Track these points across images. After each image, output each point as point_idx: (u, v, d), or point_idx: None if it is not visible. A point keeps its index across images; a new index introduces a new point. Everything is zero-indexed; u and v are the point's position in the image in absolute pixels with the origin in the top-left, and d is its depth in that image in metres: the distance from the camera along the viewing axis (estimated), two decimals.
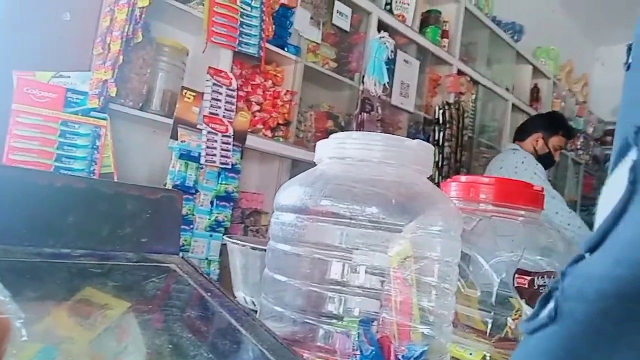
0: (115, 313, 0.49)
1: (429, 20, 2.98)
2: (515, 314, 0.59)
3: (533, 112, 4.09)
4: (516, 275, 0.55)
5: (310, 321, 0.51)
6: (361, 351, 0.52)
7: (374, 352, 0.52)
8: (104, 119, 1.54)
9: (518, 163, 2.35)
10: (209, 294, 0.54)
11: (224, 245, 1.79)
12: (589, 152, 5.18)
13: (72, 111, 1.50)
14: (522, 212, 0.62)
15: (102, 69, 1.51)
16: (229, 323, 0.48)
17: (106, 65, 1.51)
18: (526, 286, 0.55)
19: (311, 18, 2.21)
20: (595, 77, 5.46)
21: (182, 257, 0.65)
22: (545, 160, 2.49)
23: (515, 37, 3.88)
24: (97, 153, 1.53)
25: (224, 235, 1.80)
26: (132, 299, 0.51)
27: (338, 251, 0.50)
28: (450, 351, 0.55)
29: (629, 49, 0.24)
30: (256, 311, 0.61)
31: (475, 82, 3.40)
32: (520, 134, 2.59)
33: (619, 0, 4.56)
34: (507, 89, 3.80)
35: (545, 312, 0.21)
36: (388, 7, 2.68)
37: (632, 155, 0.19)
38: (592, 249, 0.20)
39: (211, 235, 1.77)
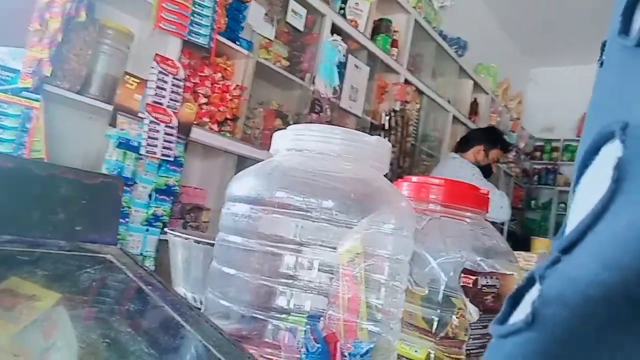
0: (43, 305, 0.44)
1: (380, 28, 3.05)
2: (458, 312, 0.60)
3: (472, 125, 4.29)
4: (462, 275, 0.56)
5: (258, 316, 0.49)
6: (307, 348, 0.51)
7: (320, 349, 0.51)
8: (37, 100, 1.43)
9: (457, 167, 2.57)
10: (150, 287, 0.51)
11: (161, 241, 1.72)
12: (520, 165, 5.51)
13: (0, 89, 1.38)
14: (469, 214, 0.64)
15: (38, 46, 1.40)
16: (171, 318, 0.45)
17: (42, 43, 1.41)
18: (471, 285, 0.57)
19: (265, 14, 2.18)
20: (528, 95, 5.82)
21: (120, 248, 0.60)
22: (485, 171, 2.68)
23: (459, 52, 4.05)
24: (27, 136, 1.42)
25: (162, 230, 1.73)
26: (64, 290, 0.47)
27: (291, 245, 0.49)
28: (399, 348, 0.55)
29: (603, 45, 0.23)
30: (199, 308, 0.58)
31: (421, 92, 3.51)
32: (462, 146, 2.75)
33: (554, 26, 4.90)
34: (448, 101, 3.96)
35: (520, 316, 0.19)
36: (342, 11, 2.71)
37: (616, 152, 0.18)
38: (567, 249, 0.19)
39: (148, 230, 1.69)
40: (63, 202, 0.58)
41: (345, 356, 0.52)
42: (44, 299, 0.46)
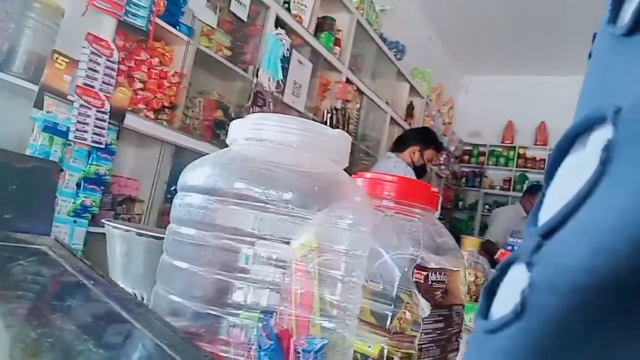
0: None
1: (323, 26, 3.06)
2: (406, 307, 0.61)
3: (407, 127, 4.43)
4: (415, 270, 0.57)
5: (211, 312, 0.47)
6: (259, 345, 0.50)
7: (273, 346, 0.50)
8: None
9: (391, 166, 2.65)
10: (92, 281, 0.47)
11: (90, 234, 1.61)
12: (450, 167, 5.78)
13: None
14: (419, 211, 0.65)
15: None
16: (118, 315, 0.42)
17: None
18: (422, 281, 0.58)
19: (208, 1, 2.11)
20: (459, 101, 6.12)
21: (56, 239, 0.55)
22: (420, 170, 2.78)
23: (398, 56, 4.17)
24: None
25: (90, 222, 1.62)
26: None
27: (247, 237, 0.47)
28: (354, 344, 0.55)
29: (594, 37, 0.23)
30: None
31: (361, 92, 3.57)
32: (399, 146, 2.82)
33: (484, 38, 5.18)
34: (387, 103, 4.06)
35: (505, 308, 0.19)
36: (286, 5, 2.68)
37: (605, 134, 0.17)
38: (548, 234, 0.18)
39: (75, 222, 1.58)
40: None
41: (299, 353, 0.51)
42: None
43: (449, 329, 0.61)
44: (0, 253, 0.46)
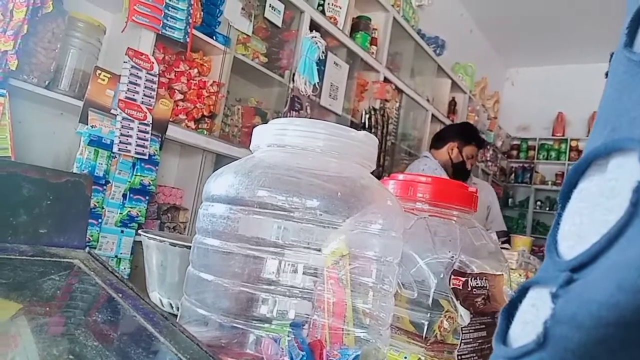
0: (1, 316, 0.40)
1: (359, 26, 3.03)
2: (447, 315, 0.58)
3: (449, 123, 4.32)
4: (452, 276, 0.54)
5: (238, 325, 0.46)
6: (291, 357, 0.48)
7: (304, 358, 0.48)
8: (2, 95, 1.36)
9: (420, 166, 2.54)
10: (120, 294, 0.47)
11: (136, 243, 1.66)
12: (497, 163, 5.59)
13: None
14: (456, 213, 0.62)
15: (1, 38, 1.33)
16: (144, 328, 0.41)
17: (7, 35, 1.33)
18: (461, 287, 0.55)
19: (242, 9, 2.14)
20: (505, 95, 5.91)
21: (89, 252, 0.56)
22: (459, 168, 2.58)
23: (437, 51, 4.07)
24: None
25: (137, 231, 1.67)
26: (25, 299, 0.43)
27: (273, 247, 0.46)
28: (388, 354, 0.52)
29: (611, 56, 0.23)
30: (175, 315, 0.54)
31: (400, 91, 3.51)
32: (437, 142, 2.69)
33: (529, 28, 4.97)
34: (427, 100, 3.97)
35: (530, 337, 0.19)
36: (320, 8, 2.68)
37: (635, 174, 0.18)
38: (578, 268, 0.18)
39: (122, 232, 1.63)
40: (25, 203, 0.54)
41: None
42: (2, 309, 0.42)
43: (493, 337, 0.58)
44: (33, 268, 0.47)
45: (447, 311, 0.59)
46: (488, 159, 5.28)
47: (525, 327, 0.19)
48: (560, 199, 0.22)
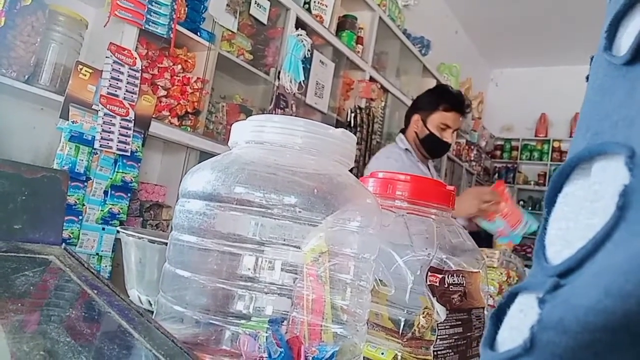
0: None
1: (345, 24, 3.03)
2: (425, 312, 0.59)
3: None
4: (429, 273, 0.55)
5: (215, 322, 0.45)
6: (269, 353, 0.48)
7: (282, 354, 0.49)
8: None
9: (377, 166, 2.00)
10: (95, 291, 0.46)
11: (117, 240, 1.64)
12: (481, 164, 5.65)
13: None
14: (434, 211, 0.62)
15: None
16: (118, 325, 0.41)
17: None
18: (437, 284, 0.55)
19: (227, 5, 2.12)
20: (489, 96, 5.97)
21: (65, 248, 0.56)
22: (431, 144, 2.00)
23: (423, 51, 4.10)
24: None
25: (118, 229, 1.65)
26: None
27: (250, 244, 0.46)
28: (365, 350, 0.53)
29: (591, 60, 0.23)
30: (152, 312, 0.54)
31: (385, 90, 3.52)
32: (405, 122, 2.15)
33: (513, 29, 5.03)
34: (412, 99, 3.99)
35: (514, 340, 0.19)
36: (307, 6, 2.67)
37: (622, 179, 0.18)
38: (565, 273, 0.19)
39: (104, 229, 1.61)
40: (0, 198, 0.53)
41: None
42: None
43: (469, 334, 0.58)
44: (7, 264, 0.46)
45: (425, 308, 0.60)
46: (472, 159, 5.34)
47: (512, 332, 0.20)
48: (546, 203, 0.22)
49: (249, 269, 0.47)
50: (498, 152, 6.20)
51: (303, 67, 2.48)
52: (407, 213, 0.60)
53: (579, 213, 0.19)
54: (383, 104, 3.50)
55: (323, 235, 0.49)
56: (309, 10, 2.67)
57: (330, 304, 0.52)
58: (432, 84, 4.40)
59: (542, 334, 0.18)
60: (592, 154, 0.20)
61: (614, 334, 0.16)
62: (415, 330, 0.59)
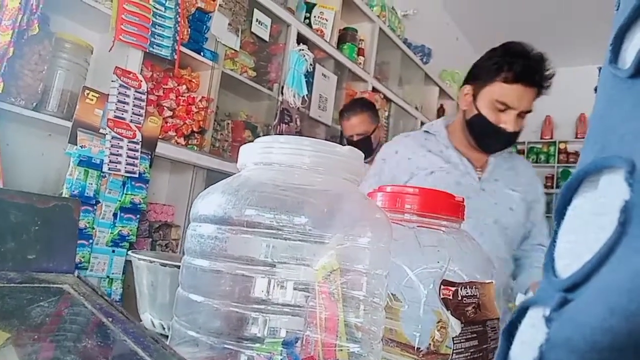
0: None
1: (346, 37, 3.06)
2: (439, 325, 0.58)
3: None
4: (442, 286, 0.54)
5: (229, 346, 0.45)
6: None
7: None
8: None
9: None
10: (110, 319, 0.47)
11: (128, 262, 1.65)
12: None
13: None
14: (445, 223, 0.62)
15: None
16: (134, 353, 0.41)
17: None
18: (451, 297, 0.55)
19: (229, 24, 2.15)
20: None
21: (78, 276, 0.56)
22: (479, 129, 1.33)
23: (424, 60, 4.12)
24: None
25: (128, 250, 1.66)
26: (13, 328, 0.43)
27: (263, 266, 0.46)
28: None
29: (599, 70, 0.23)
30: (167, 336, 0.54)
31: (388, 100, 3.54)
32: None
33: (513, 33, 5.05)
34: (416, 108, 4.01)
35: (527, 359, 0.19)
36: (307, 21, 2.70)
37: (623, 194, 0.18)
38: (571, 288, 0.19)
39: (114, 251, 1.62)
40: (12, 230, 0.53)
41: None
42: None
43: (485, 346, 0.58)
44: (21, 295, 0.47)
45: (439, 321, 0.59)
46: None
47: (523, 348, 0.20)
48: (555, 217, 0.22)
49: (262, 291, 0.47)
50: None
51: (306, 81, 2.50)
52: (417, 226, 0.60)
53: (587, 226, 0.19)
54: (387, 113, 3.51)
55: (334, 252, 0.50)
56: (309, 25, 2.70)
57: (344, 321, 0.51)
58: (434, 91, 4.41)
59: (550, 352, 0.18)
60: (599, 167, 0.20)
61: (621, 354, 0.16)
62: (430, 344, 0.58)
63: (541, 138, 6.01)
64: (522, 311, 0.21)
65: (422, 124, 4.11)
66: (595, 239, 0.18)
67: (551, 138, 5.94)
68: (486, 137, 1.34)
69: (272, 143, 0.48)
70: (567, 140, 5.84)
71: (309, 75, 2.58)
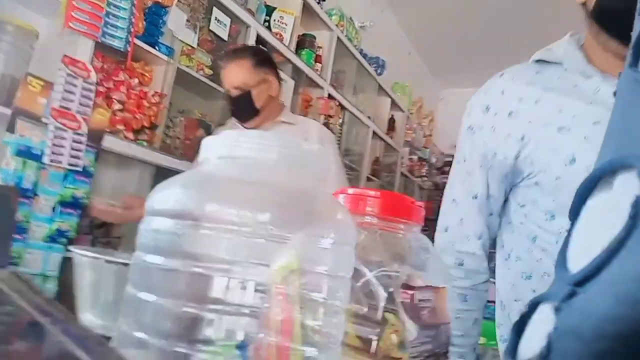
0: None
1: (304, 43, 3.07)
2: (392, 329, 0.58)
3: (389, 140, 4.45)
4: (401, 290, 0.54)
5: (180, 349, 0.43)
6: None
7: None
8: None
9: None
10: (49, 318, 0.43)
11: (66, 259, 1.55)
12: (432, 179, 5.81)
13: None
14: (403, 226, 0.63)
15: None
16: (74, 356, 0.38)
17: None
18: (409, 301, 0.55)
19: (187, 20, 2.09)
20: (439, 114, 6.19)
21: (13, 272, 0.51)
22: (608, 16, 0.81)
23: (378, 71, 4.21)
24: None
25: (67, 247, 1.56)
26: None
27: (221, 264, 0.44)
28: None
29: (619, 75, 0.23)
30: (109, 338, 0.50)
31: (343, 108, 3.58)
32: None
33: (461, 50, 5.26)
34: (369, 117, 4.08)
35: (535, 349, 0.19)
36: (267, 23, 2.68)
37: (634, 189, 0.18)
38: (582, 282, 0.19)
39: (50, 247, 1.52)
40: None
41: None
42: None
43: (437, 350, 0.58)
44: None
45: (392, 325, 0.59)
46: (423, 174, 5.49)
47: (532, 341, 0.20)
48: (571, 216, 0.22)
49: (219, 290, 0.44)
50: (447, 168, 6.41)
51: None
52: (378, 229, 0.60)
53: (601, 224, 0.19)
54: (340, 120, 3.55)
55: (294, 252, 0.48)
56: (269, 27, 2.68)
57: (301, 324, 0.50)
58: (386, 102, 4.51)
59: (558, 341, 0.18)
60: (614, 167, 0.20)
61: (626, 342, 0.16)
62: (381, 347, 0.58)
63: None
64: (532, 307, 0.21)
65: (374, 133, 4.18)
66: (607, 236, 0.18)
67: None
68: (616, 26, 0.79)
69: (239, 137, 0.46)
70: None
71: None
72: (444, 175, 6.34)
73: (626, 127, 0.21)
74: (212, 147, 0.46)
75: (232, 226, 0.43)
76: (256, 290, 0.47)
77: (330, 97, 3.30)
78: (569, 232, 0.21)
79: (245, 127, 1.68)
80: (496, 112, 0.95)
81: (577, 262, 0.20)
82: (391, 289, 0.54)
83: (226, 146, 0.45)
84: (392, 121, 4.71)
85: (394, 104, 4.62)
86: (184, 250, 0.44)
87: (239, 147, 0.45)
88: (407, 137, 4.97)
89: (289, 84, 2.79)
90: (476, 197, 0.99)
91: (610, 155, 0.21)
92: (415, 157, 5.32)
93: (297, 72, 2.94)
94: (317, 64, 3.18)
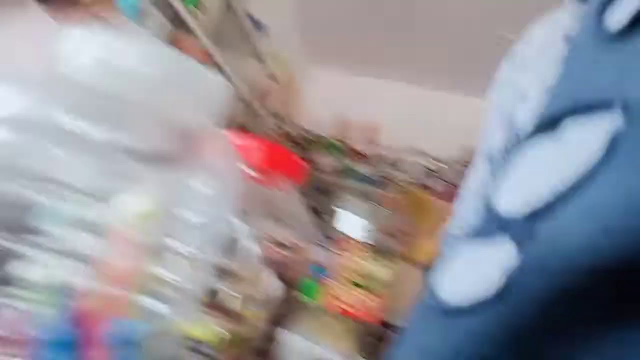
0: None
1: None
2: (245, 283, 0.55)
3: (259, 108, 4.38)
4: (267, 245, 0.51)
5: None
6: (48, 333, 0.37)
7: (68, 335, 0.38)
8: None
9: None
10: None
11: None
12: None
13: None
14: (281, 181, 0.60)
15: None
16: None
17: None
18: (273, 256, 0.53)
19: None
20: (308, 93, 6.30)
21: None
22: None
23: (259, 36, 4.08)
24: None
25: None
26: None
27: (59, 190, 0.35)
28: (187, 329, 0.46)
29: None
30: None
31: (217, 65, 3.40)
32: None
33: (345, 34, 5.39)
34: (241, 81, 3.95)
35: (491, 287, 0.17)
36: None
37: (603, 124, 0.17)
38: (540, 213, 0.17)
39: None
40: None
41: (108, 340, 0.40)
42: None
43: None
44: None
45: (249, 280, 0.56)
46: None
47: (473, 279, 0.18)
48: (501, 161, 0.20)
49: (43, 220, 0.35)
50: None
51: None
52: (255, 182, 0.56)
53: (548, 162, 0.18)
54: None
55: (154, 192, 0.41)
56: None
57: (147, 275, 0.43)
58: (261, 69, 4.42)
59: (520, 277, 0.16)
60: (559, 114, 0.19)
61: (597, 276, 0.15)
62: (235, 305, 0.54)
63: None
64: (452, 244, 0.19)
65: (243, 98, 4.08)
66: (555, 178, 0.17)
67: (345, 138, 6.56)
68: None
69: (121, 40, 0.37)
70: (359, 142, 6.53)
71: None
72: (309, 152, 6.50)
73: (592, 80, 0.20)
74: (83, 43, 0.36)
75: (85, 145, 0.34)
76: (89, 230, 0.39)
77: (205, 52, 3.09)
78: (495, 177, 0.20)
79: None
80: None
81: (509, 202, 0.18)
82: (254, 243, 0.51)
83: (102, 47, 0.36)
84: (263, 91, 4.64)
85: (269, 74, 4.54)
86: (14, 167, 0.34)
87: (120, 52, 0.36)
88: (277, 109, 4.95)
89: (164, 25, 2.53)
90: None
91: (543, 109, 0.19)
92: (281, 131, 5.34)
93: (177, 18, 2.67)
94: (200, 13, 2.94)
